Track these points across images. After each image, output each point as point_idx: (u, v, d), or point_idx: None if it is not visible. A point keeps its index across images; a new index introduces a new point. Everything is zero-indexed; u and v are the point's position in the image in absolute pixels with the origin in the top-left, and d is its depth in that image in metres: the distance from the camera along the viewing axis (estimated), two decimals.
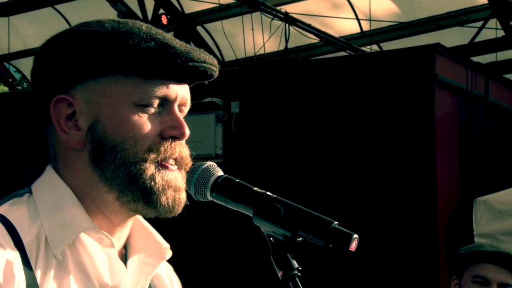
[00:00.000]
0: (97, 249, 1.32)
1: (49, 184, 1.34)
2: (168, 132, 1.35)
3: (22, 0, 10.50)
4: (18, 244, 1.24)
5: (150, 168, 1.31)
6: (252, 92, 7.46)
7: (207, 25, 10.73)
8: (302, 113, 7.21)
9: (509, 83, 8.18)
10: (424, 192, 6.70)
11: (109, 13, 9.81)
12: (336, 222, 1.26)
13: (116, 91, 1.31)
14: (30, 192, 1.34)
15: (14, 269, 1.21)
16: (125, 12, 10.13)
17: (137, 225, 1.41)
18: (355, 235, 1.24)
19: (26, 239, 1.25)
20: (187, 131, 1.37)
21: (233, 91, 7.49)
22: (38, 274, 1.24)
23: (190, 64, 1.34)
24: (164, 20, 10.08)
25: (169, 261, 1.50)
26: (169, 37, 1.35)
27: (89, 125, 1.32)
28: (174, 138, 1.36)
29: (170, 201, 1.33)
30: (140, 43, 1.32)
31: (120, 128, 1.30)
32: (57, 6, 10.54)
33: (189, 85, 1.40)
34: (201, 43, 10.83)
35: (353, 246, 1.24)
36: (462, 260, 2.89)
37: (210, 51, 10.91)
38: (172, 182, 1.34)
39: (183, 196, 1.36)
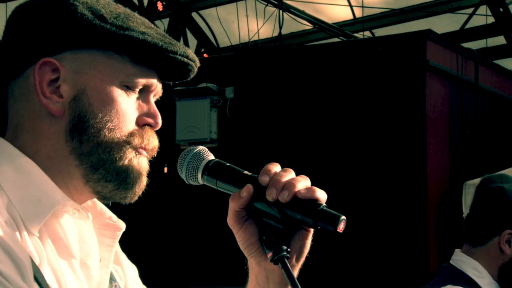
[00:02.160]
0: (69, 221, 1.28)
1: (8, 156, 1.26)
2: (144, 120, 1.33)
3: None
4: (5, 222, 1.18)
5: (131, 153, 1.30)
6: (247, 78, 7.45)
7: (202, 12, 10.69)
8: (295, 98, 7.21)
9: (499, 69, 8.19)
10: (415, 175, 6.72)
11: None
12: (324, 204, 1.26)
13: (108, 68, 1.29)
14: None
15: (20, 245, 1.17)
16: None
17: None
18: (343, 217, 1.25)
19: (3, 217, 1.19)
20: (160, 122, 1.36)
21: (227, 77, 7.48)
22: (29, 251, 1.19)
23: (185, 60, 1.34)
24: (159, 6, 10.04)
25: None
26: (159, 29, 1.35)
27: (73, 94, 1.27)
28: (149, 126, 1.34)
29: (139, 186, 1.32)
30: (140, 27, 1.31)
31: (106, 106, 1.27)
32: None
33: (168, 81, 1.39)
34: (196, 30, 10.80)
35: (341, 227, 1.24)
36: None
37: (205, 37, 10.89)
38: (145, 169, 1.33)
39: (145, 182, 1.34)
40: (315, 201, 1.26)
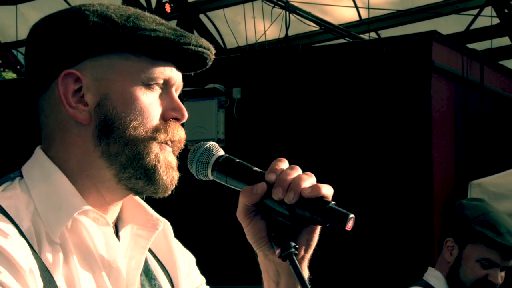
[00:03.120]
0: (93, 227, 1.30)
1: (40, 165, 1.31)
2: (170, 114, 1.34)
3: None
4: (19, 232, 1.21)
5: (156, 147, 1.31)
6: (254, 79, 7.45)
7: (209, 13, 10.71)
8: (302, 98, 7.21)
9: (504, 69, 8.17)
10: (420, 175, 6.71)
11: (114, 1, 9.78)
12: (333, 202, 1.26)
13: (126, 69, 1.30)
14: (21, 175, 1.31)
15: (27, 255, 1.19)
16: (130, 0, 10.11)
17: (127, 199, 1.39)
18: (352, 215, 1.24)
19: (24, 226, 1.22)
20: (186, 114, 1.37)
21: (235, 78, 7.48)
22: (44, 259, 1.22)
23: (199, 50, 1.35)
24: (167, 8, 10.06)
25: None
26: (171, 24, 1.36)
27: (97, 100, 1.29)
28: (175, 120, 1.35)
29: (169, 180, 1.33)
30: (151, 24, 1.32)
31: (129, 106, 1.29)
32: None
33: (187, 72, 1.40)
34: (204, 31, 10.81)
35: (349, 225, 1.24)
36: (470, 234, 2.80)
37: (213, 39, 10.89)
38: (172, 162, 1.34)
39: (177, 176, 1.36)
40: (323, 199, 1.26)
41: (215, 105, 7.29)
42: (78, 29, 1.30)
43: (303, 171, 1.31)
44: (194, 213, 7.52)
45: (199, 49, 1.36)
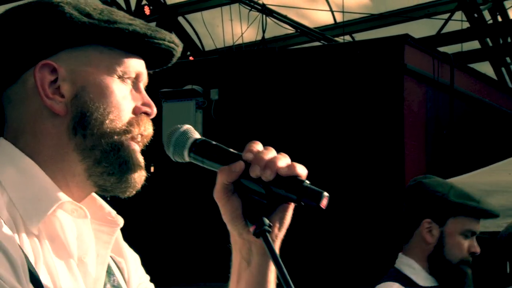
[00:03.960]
0: (67, 220, 1.28)
1: (9, 156, 1.27)
2: (141, 108, 1.33)
3: None
4: (3, 221, 1.18)
5: (130, 142, 1.31)
6: (231, 80, 7.45)
7: (188, 16, 10.69)
8: (278, 99, 7.23)
9: (474, 72, 8.25)
10: (393, 174, 6.75)
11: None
12: (307, 181, 1.28)
13: (102, 62, 1.29)
14: None
15: (16, 246, 1.17)
16: (109, 2, 10.07)
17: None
18: (326, 193, 1.26)
19: (3, 216, 1.19)
20: (155, 110, 1.37)
21: (212, 79, 7.48)
22: (25, 250, 1.19)
23: (170, 46, 1.35)
24: (146, 10, 10.03)
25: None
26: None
27: (73, 92, 1.27)
28: (146, 115, 1.35)
29: (139, 179, 1.32)
30: (125, 19, 1.32)
31: (106, 99, 1.28)
32: None
33: (151, 69, 1.40)
34: (183, 33, 10.79)
35: (324, 203, 1.25)
36: (450, 208, 2.59)
37: (191, 41, 10.88)
38: (142, 161, 1.33)
39: (144, 176, 1.34)
40: (298, 178, 1.28)
41: (193, 106, 7.28)
42: (53, 20, 1.28)
43: None
44: (170, 215, 7.51)
45: (172, 45, 1.36)
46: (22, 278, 1.16)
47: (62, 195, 1.26)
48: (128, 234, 1.47)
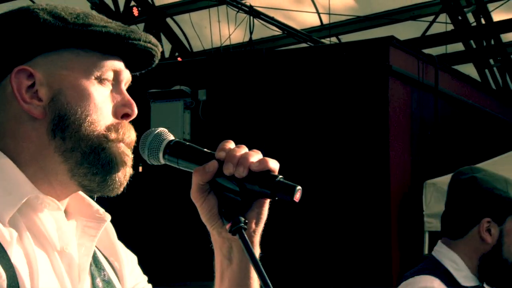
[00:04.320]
0: (45, 213, 1.29)
1: None
2: (121, 109, 1.34)
3: None
4: None
5: (110, 144, 1.31)
6: (219, 81, 7.46)
7: (176, 17, 10.68)
8: (265, 100, 7.24)
9: (457, 74, 8.29)
10: (378, 174, 6.78)
11: (83, 5, 9.70)
12: (281, 176, 1.29)
13: (78, 65, 1.30)
14: None
15: None
16: (98, 4, 10.04)
17: (73, 194, 1.38)
18: (299, 187, 1.28)
19: None
20: (136, 109, 1.36)
21: (200, 80, 7.48)
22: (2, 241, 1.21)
23: (147, 45, 1.35)
24: (135, 11, 10.01)
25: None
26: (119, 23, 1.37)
27: (51, 96, 1.28)
28: (126, 116, 1.35)
29: (123, 176, 1.33)
30: (100, 22, 1.33)
31: (83, 101, 1.29)
32: None
33: (134, 71, 1.41)
34: (171, 34, 10.78)
35: (297, 196, 1.27)
36: (510, 206, 2.47)
37: (179, 42, 10.87)
38: (125, 158, 1.33)
39: (130, 173, 1.35)
40: (271, 173, 1.29)
41: (181, 107, 7.28)
42: (28, 26, 1.29)
43: None
44: (159, 214, 7.51)
45: (148, 45, 1.36)
46: None
47: (32, 190, 1.28)
48: (117, 234, 1.47)
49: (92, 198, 1.39)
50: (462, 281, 2.52)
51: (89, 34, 1.30)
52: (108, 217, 1.38)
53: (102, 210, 1.38)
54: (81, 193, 1.39)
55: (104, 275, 1.39)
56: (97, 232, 1.36)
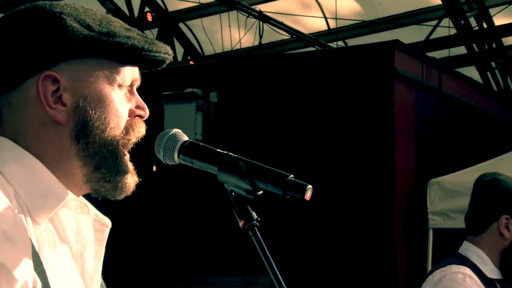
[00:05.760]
0: (68, 215, 1.30)
1: (11, 153, 1.27)
2: (135, 112, 1.35)
3: None
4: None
5: (125, 151, 1.33)
6: (229, 84, 7.45)
7: (188, 22, 10.68)
8: (274, 102, 7.23)
9: (460, 76, 8.26)
10: (384, 173, 6.76)
11: (98, 9, 9.71)
12: (292, 175, 1.29)
13: (101, 72, 1.30)
14: None
15: (25, 234, 1.18)
16: (113, 9, 10.05)
17: None
18: (309, 186, 1.27)
19: (14, 208, 1.19)
20: (148, 111, 1.38)
21: (212, 82, 7.48)
22: (33, 240, 1.21)
23: (163, 56, 1.36)
24: (149, 17, 10.02)
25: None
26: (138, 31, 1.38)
27: (75, 102, 1.29)
28: (140, 117, 1.36)
29: (131, 186, 1.34)
30: (122, 31, 1.33)
31: (107, 108, 1.30)
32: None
33: (145, 70, 1.42)
34: (183, 39, 10.79)
35: (308, 195, 1.27)
36: None
37: (191, 46, 10.88)
38: (132, 167, 1.35)
39: (136, 181, 1.36)
40: (282, 172, 1.30)
41: (194, 108, 7.28)
42: (55, 32, 1.28)
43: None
44: (173, 213, 7.50)
45: (166, 55, 1.38)
46: (29, 268, 1.16)
47: (66, 191, 1.28)
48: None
49: (97, 199, 1.39)
50: (488, 273, 2.63)
51: (115, 46, 1.30)
52: (108, 222, 1.38)
53: (100, 214, 1.38)
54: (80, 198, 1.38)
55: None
56: (102, 235, 1.36)
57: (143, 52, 1.32)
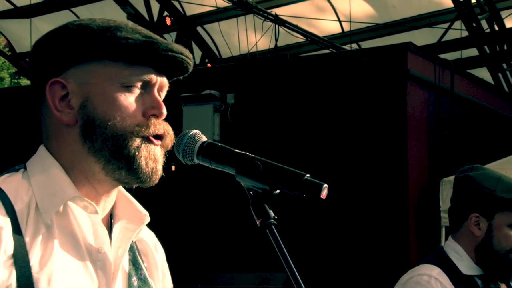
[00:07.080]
0: (83, 215, 1.34)
1: (41, 159, 1.36)
2: (149, 111, 1.36)
3: (43, 3, 10.47)
4: (11, 211, 1.26)
5: (136, 141, 1.33)
6: (246, 85, 7.46)
7: (206, 26, 10.70)
8: (290, 103, 7.22)
9: (472, 77, 8.20)
10: (397, 172, 6.73)
11: (120, 15, 9.76)
12: (308, 175, 1.28)
13: (105, 73, 1.33)
14: (25, 167, 1.36)
15: (2, 234, 1.24)
16: (134, 14, 10.09)
17: (120, 196, 1.42)
18: (325, 185, 1.27)
19: (18, 206, 1.28)
20: (165, 111, 1.38)
21: (229, 84, 7.49)
22: (27, 238, 1.26)
23: (169, 54, 1.36)
24: (168, 21, 10.05)
25: (156, 226, 1.51)
26: (151, 32, 1.38)
27: (80, 103, 1.33)
28: (155, 116, 1.36)
29: (150, 169, 1.34)
30: (127, 34, 1.35)
31: (109, 106, 1.32)
32: (73, 9, 10.52)
33: (168, 78, 1.41)
34: (201, 42, 10.80)
35: (324, 194, 1.26)
36: (497, 203, 2.55)
37: (209, 49, 10.89)
38: (153, 155, 1.35)
39: (160, 167, 1.36)
40: (298, 172, 1.29)
41: (211, 109, 7.29)
42: (62, 42, 1.35)
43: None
44: (192, 212, 7.52)
45: (169, 53, 1.36)
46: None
47: (74, 192, 1.32)
48: (151, 229, 1.48)
49: (131, 190, 1.40)
50: (464, 270, 2.59)
51: (112, 46, 1.33)
52: (147, 220, 1.41)
53: (143, 213, 1.42)
54: (128, 195, 1.42)
55: (141, 274, 1.41)
56: (133, 234, 1.39)
57: (140, 49, 1.33)
